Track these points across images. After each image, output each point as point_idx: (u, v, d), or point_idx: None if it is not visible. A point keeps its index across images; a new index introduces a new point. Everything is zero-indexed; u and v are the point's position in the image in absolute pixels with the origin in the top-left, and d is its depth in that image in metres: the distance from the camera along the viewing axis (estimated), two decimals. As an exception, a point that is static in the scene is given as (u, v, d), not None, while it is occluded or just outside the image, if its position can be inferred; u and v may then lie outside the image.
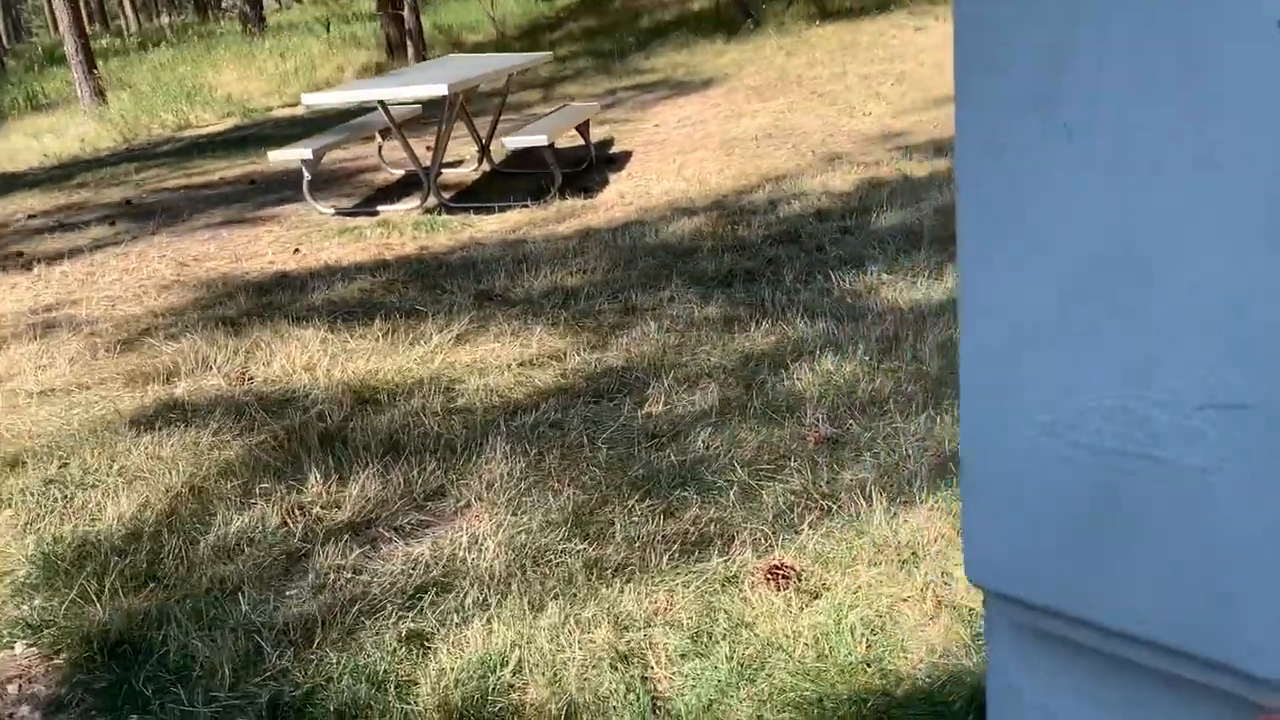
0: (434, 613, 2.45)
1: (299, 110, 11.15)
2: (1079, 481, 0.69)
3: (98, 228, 6.74)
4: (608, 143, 7.80)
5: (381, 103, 6.40)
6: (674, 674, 2.19)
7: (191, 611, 2.54)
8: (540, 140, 6.23)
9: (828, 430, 3.11)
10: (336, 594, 2.57)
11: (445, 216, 6.19)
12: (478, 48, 13.58)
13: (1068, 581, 0.72)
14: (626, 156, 7.31)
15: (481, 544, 2.69)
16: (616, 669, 2.20)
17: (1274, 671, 0.62)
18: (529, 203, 6.23)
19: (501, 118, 7.80)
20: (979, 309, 0.71)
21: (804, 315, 3.97)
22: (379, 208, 6.58)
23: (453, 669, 2.23)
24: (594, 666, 2.22)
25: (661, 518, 2.76)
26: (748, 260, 4.76)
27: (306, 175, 6.59)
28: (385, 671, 2.27)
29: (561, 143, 7.10)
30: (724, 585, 2.46)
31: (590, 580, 2.51)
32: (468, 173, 7.44)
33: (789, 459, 2.97)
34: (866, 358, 3.54)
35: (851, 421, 3.15)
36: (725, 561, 2.54)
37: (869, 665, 2.16)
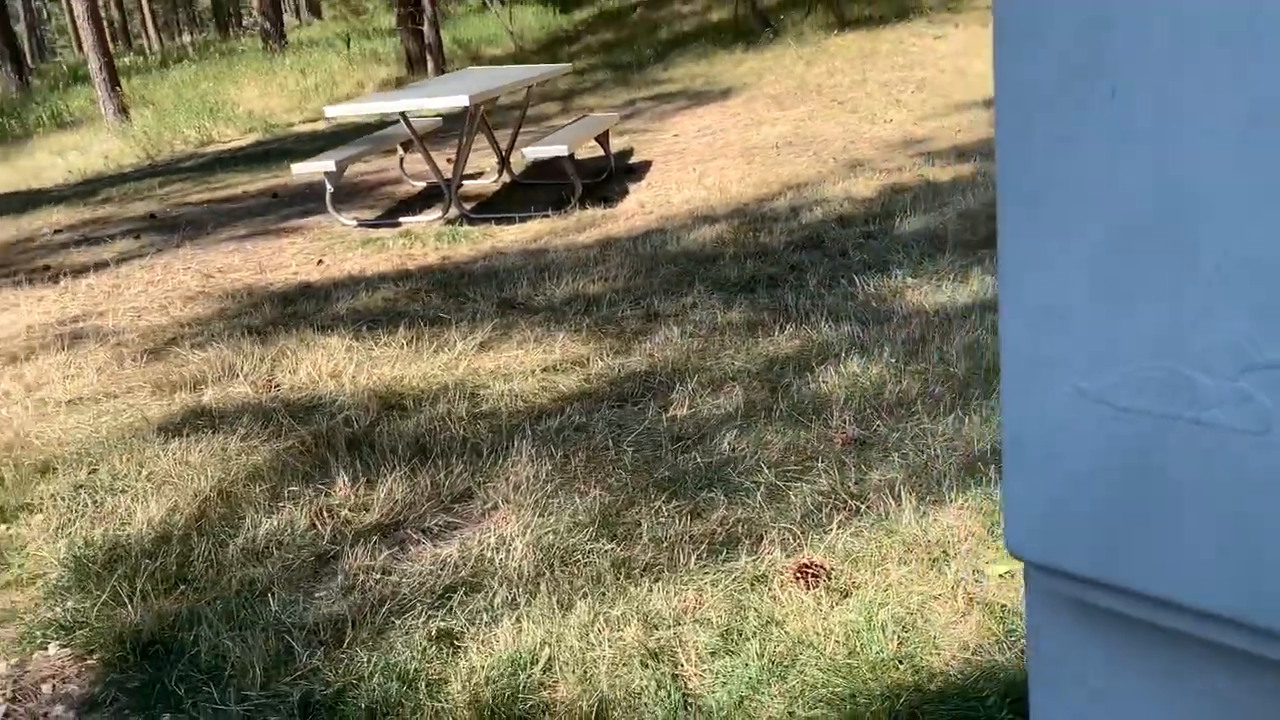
0: (463, 612, 2.46)
1: (320, 125, 11.24)
2: (1122, 448, 0.68)
3: (123, 241, 6.81)
4: (627, 153, 7.83)
5: (403, 114, 6.45)
6: (704, 671, 2.19)
7: (222, 612, 2.55)
8: (560, 151, 6.26)
9: (855, 431, 3.11)
10: (366, 594, 2.58)
11: (467, 227, 6.22)
12: (496, 62, 13.65)
13: (1111, 550, 0.71)
14: (646, 166, 7.32)
15: (509, 544, 2.70)
16: (647, 666, 2.20)
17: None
18: (550, 213, 6.26)
19: (521, 129, 7.84)
20: (1019, 275, 0.71)
21: (828, 319, 3.97)
22: (401, 219, 6.62)
23: (483, 667, 2.24)
24: (624, 664, 2.22)
25: (689, 518, 2.76)
26: (770, 266, 4.76)
27: (329, 187, 6.64)
28: (416, 670, 2.27)
29: (581, 153, 7.12)
30: (753, 584, 2.46)
31: (618, 579, 2.52)
32: (488, 184, 7.48)
33: (816, 460, 2.97)
34: (892, 360, 3.53)
35: (878, 423, 3.15)
36: (754, 561, 2.54)
37: (901, 662, 2.15)
